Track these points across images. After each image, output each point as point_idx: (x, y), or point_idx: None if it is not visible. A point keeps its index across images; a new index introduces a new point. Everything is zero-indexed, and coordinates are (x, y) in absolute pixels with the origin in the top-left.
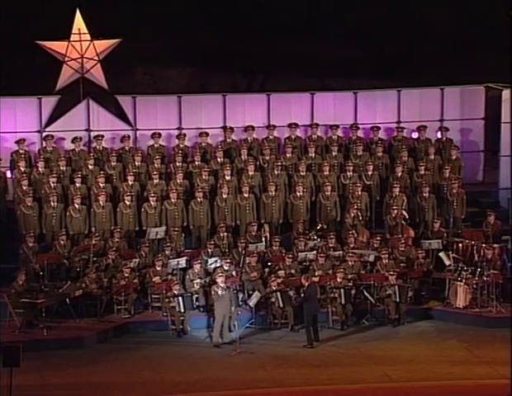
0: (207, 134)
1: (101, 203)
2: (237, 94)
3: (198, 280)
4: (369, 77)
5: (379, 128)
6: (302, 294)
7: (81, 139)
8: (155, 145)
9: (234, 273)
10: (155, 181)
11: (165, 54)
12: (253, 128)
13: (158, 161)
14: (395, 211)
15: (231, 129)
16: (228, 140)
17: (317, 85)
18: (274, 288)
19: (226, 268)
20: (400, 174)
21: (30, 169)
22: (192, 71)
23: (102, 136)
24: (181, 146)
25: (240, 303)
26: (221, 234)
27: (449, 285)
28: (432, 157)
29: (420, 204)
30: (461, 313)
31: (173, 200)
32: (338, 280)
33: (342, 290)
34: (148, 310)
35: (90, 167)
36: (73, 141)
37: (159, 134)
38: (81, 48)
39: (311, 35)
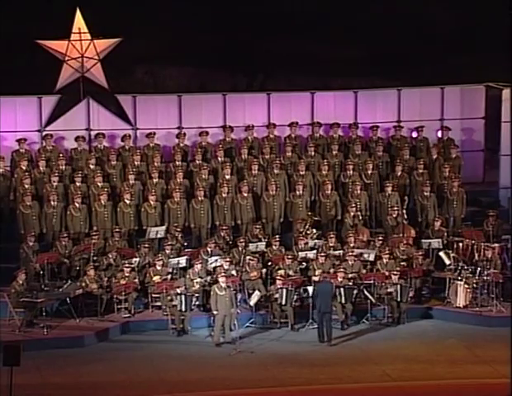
0: (207, 134)
1: (102, 202)
2: (237, 93)
3: (198, 280)
4: (369, 77)
5: (378, 127)
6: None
7: (84, 138)
8: (150, 144)
9: (233, 272)
10: (155, 180)
11: (165, 54)
12: (253, 127)
13: (157, 159)
14: (396, 211)
15: (231, 128)
16: (228, 139)
17: (317, 84)
18: (279, 285)
19: (226, 267)
20: (399, 173)
21: (31, 168)
22: (192, 70)
23: (103, 135)
24: (181, 145)
25: (239, 302)
26: (221, 233)
27: (449, 284)
28: (434, 156)
29: (422, 203)
30: (461, 312)
31: (176, 200)
32: (339, 279)
33: (342, 290)
34: (148, 309)
35: (92, 166)
36: (76, 140)
37: (154, 134)
38: (81, 47)
39: (312, 34)
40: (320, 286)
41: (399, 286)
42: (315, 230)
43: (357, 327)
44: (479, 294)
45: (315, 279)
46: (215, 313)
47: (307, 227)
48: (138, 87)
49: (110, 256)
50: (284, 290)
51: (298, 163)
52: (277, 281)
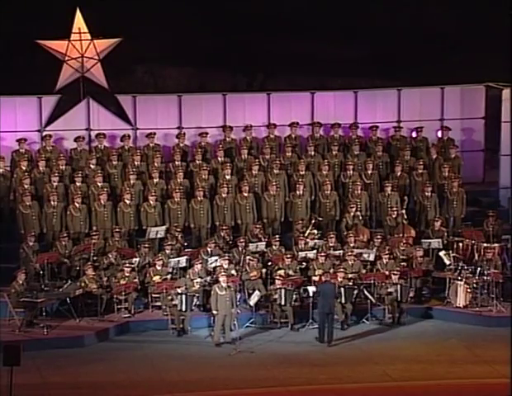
0: (207, 134)
1: (102, 202)
2: (237, 93)
3: (198, 280)
4: (369, 77)
5: (377, 127)
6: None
7: (83, 138)
8: (150, 144)
9: (233, 272)
10: (155, 180)
11: (165, 54)
12: (251, 127)
13: (158, 160)
14: (395, 211)
15: (230, 128)
16: (228, 139)
17: (317, 84)
18: (279, 285)
19: (226, 267)
20: (399, 173)
21: (31, 168)
22: (192, 70)
23: (104, 135)
24: (180, 145)
25: (239, 302)
26: (221, 233)
27: (449, 284)
28: (434, 156)
29: (423, 203)
30: (461, 312)
31: (176, 200)
32: (339, 279)
33: (342, 289)
34: (148, 309)
35: (92, 166)
36: (75, 140)
37: (154, 134)
38: (81, 47)
39: (312, 34)
40: (323, 287)
41: (399, 286)
42: (316, 231)
43: (357, 327)
44: (479, 294)
45: (315, 279)
46: (214, 312)
47: (310, 227)
48: (138, 87)
49: (110, 256)
50: (283, 291)
51: (298, 163)
52: (276, 281)
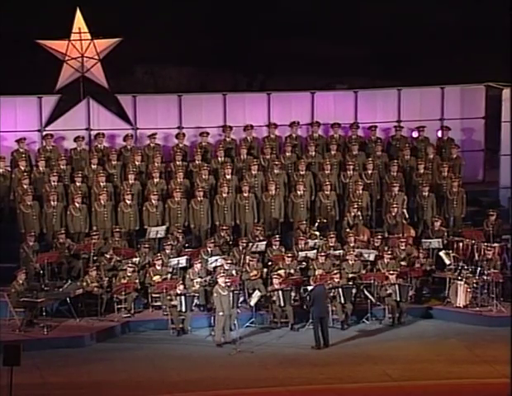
0: (208, 134)
1: (102, 202)
2: (237, 93)
3: (198, 280)
4: (369, 77)
5: (376, 127)
6: (308, 296)
7: (83, 138)
8: (151, 144)
9: (234, 272)
10: (156, 179)
11: (165, 53)
12: (252, 127)
13: (158, 159)
14: (395, 210)
15: (230, 128)
16: (228, 139)
17: (317, 84)
18: (276, 286)
19: (226, 267)
20: (395, 173)
21: (31, 168)
22: (192, 70)
23: (104, 135)
24: (180, 145)
25: (240, 303)
26: (221, 233)
27: (449, 284)
28: (431, 156)
29: (420, 203)
30: (461, 312)
31: (176, 199)
32: (336, 280)
33: (341, 290)
34: (148, 309)
35: (93, 166)
36: (75, 140)
37: (155, 134)
38: (81, 47)
39: (312, 34)
40: (315, 291)
41: (397, 286)
42: (318, 233)
43: (357, 327)
44: (479, 294)
45: (315, 279)
46: (220, 314)
47: (314, 228)
48: (138, 87)
49: (108, 255)
50: (280, 292)
51: (298, 163)
52: (274, 281)
